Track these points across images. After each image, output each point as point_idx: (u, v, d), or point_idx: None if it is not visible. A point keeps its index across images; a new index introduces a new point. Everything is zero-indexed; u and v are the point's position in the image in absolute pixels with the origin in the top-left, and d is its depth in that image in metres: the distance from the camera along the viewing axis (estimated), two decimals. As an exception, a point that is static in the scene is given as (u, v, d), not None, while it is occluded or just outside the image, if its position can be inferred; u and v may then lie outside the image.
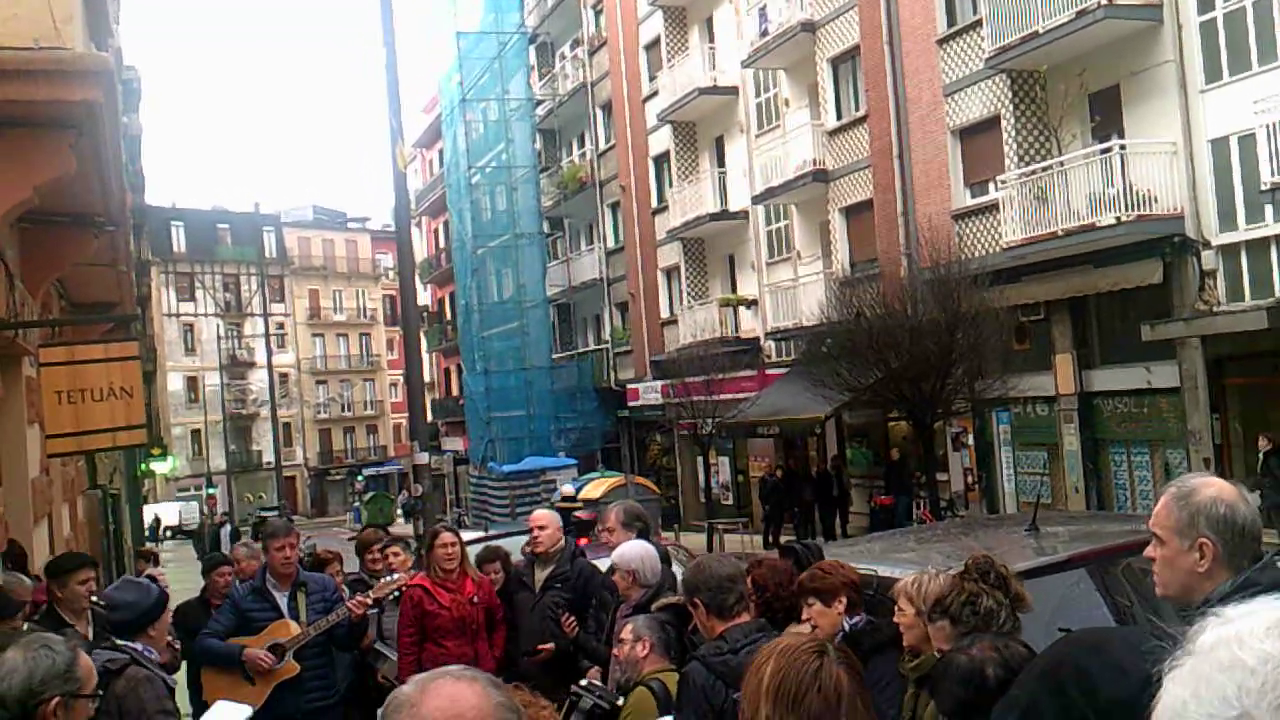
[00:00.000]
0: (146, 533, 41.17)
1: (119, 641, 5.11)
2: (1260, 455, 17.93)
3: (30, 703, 3.07)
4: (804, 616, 5.15)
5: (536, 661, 7.71)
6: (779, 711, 2.73)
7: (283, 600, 7.58)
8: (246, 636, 7.39)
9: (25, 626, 5.68)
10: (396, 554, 8.97)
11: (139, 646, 5.14)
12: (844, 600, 5.07)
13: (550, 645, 7.67)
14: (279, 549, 7.62)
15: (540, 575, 8.02)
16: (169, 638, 6.26)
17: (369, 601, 7.57)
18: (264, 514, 58.13)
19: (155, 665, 5.12)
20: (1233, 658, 1.18)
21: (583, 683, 5.80)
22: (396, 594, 8.10)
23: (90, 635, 5.69)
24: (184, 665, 8.47)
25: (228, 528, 29.94)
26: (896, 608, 4.63)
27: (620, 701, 5.24)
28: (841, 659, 2.86)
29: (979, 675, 3.43)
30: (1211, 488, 2.95)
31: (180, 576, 25.22)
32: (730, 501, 33.64)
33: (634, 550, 6.51)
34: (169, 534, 57.55)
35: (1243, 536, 2.88)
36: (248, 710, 5.76)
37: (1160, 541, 2.99)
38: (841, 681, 2.77)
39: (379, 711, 1.91)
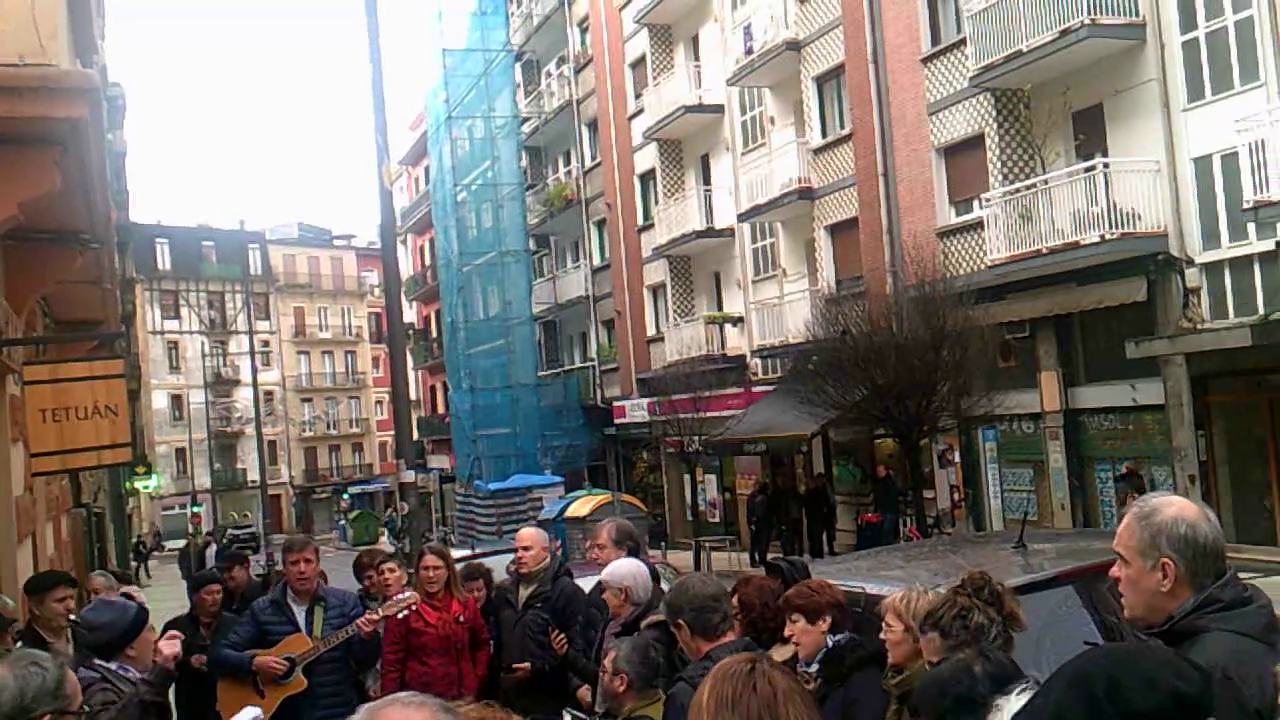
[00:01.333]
0: (131, 553, 40.89)
1: (96, 661, 5.10)
2: (1114, 480, 18.58)
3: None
4: (787, 632, 5.13)
5: (514, 679, 7.71)
6: (721, 715, 2.76)
7: (300, 614, 7.54)
8: (262, 650, 7.37)
9: (18, 645, 5.65)
10: (392, 569, 8.95)
11: (113, 666, 5.12)
12: (828, 620, 5.06)
13: (527, 665, 7.67)
14: (294, 563, 7.59)
15: (523, 594, 8.03)
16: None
17: (377, 619, 7.52)
18: (236, 533, 57.83)
19: (129, 684, 5.11)
20: None
21: (567, 716, 5.78)
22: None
23: (71, 653, 5.66)
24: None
25: (213, 547, 29.75)
26: (884, 624, 4.63)
27: None
28: (775, 665, 2.91)
29: (968, 671, 3.45)
30: (1173, 507, 2.95)
31: (161, 595, 25.12)
32: (717, 519, 33.61)
33: (625, 568, 6.50)
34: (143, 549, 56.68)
35: (1205, 555, 2.89)
36: (256, 712, 5.73)
37: (1124, 562, 3.00)
38: (776, 680, 2.81)
39: None
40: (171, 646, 5.42)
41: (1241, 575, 3.00)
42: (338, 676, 7.54)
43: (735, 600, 5.28)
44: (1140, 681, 2.01)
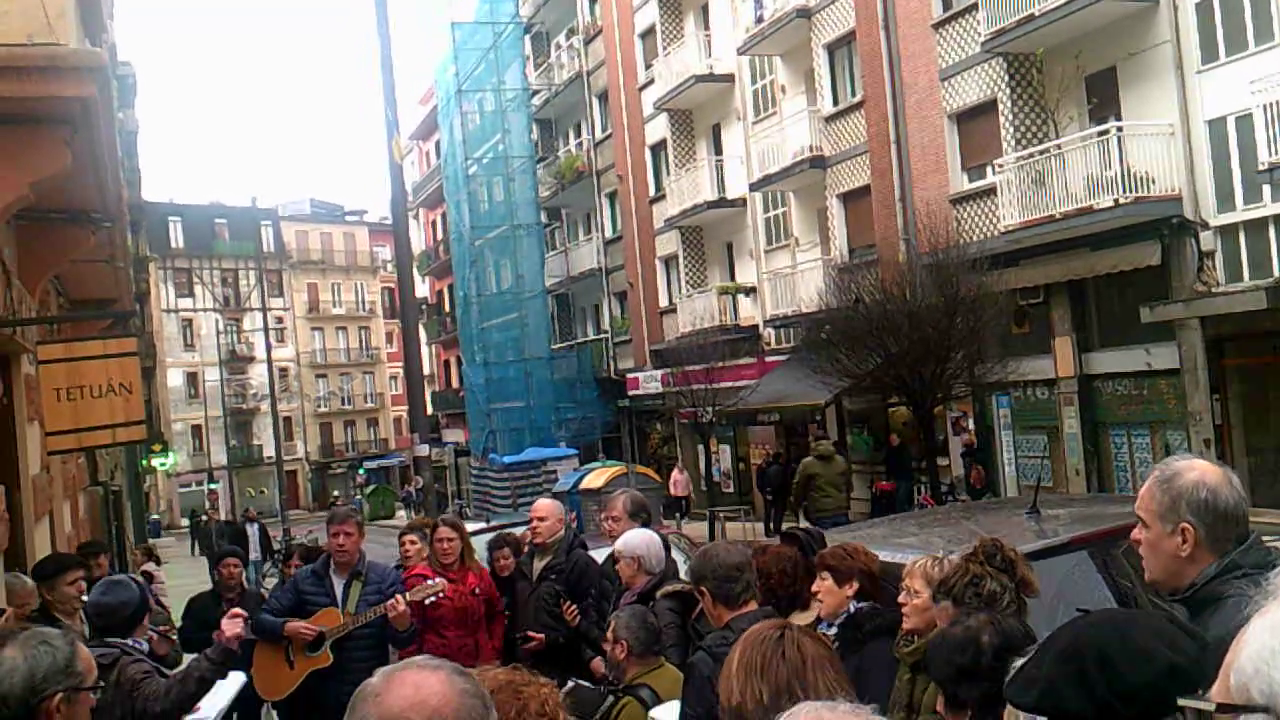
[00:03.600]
0: (148, 527, 41.11)
1: (107, 639, 5.14)
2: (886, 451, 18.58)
3: (33, 700, 3.07)
4: (814, 588, 5.15)
5: (528, 650, 7.74)
6: (750, 683, 2.78)
7: (339, 587, 7.55)
8: (298, 620, 7.39)
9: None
10: (413, 542, 9.01)
11: (128, 640, 5.17)
12: (855, 585, 5.08)
13: (541, 636, 7.69)
14: (334, 534, 7.61)
15: (538, 566, 8.05)
16: (164, 628, 6.31)
17: (405, 609, 7.49)
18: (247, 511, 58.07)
19: (143, 655, 5.19)
20: None
21: (570, 684, 5.81)
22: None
23: (86, 633, 5.70)
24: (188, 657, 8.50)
25: (254, 525, 29.26)
26: (907, 589, 4.62)
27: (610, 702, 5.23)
28: (805, 631, 2.91)
29: (974, 642, 3.45)
30: (1194, 471, 2.93)
31: (178, 572, 25.29)
32: (731, 489, 33.66)
33: (639, 538, 6.53)
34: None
35: (1225, 520, 2.87)
36: (239, 678, 5.83)
37: (1144, 525, 2.98)
38: (805, 646, 2.82)
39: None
40: (234, 626, 5.51)
41: (1264, 539, 2.99)
42: (368, 654, 7.41)
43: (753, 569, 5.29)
44: (1131, 654, 2.00)
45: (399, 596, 7.46)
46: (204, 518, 44.40)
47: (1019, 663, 2.60)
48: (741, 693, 2.80)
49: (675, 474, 32.32)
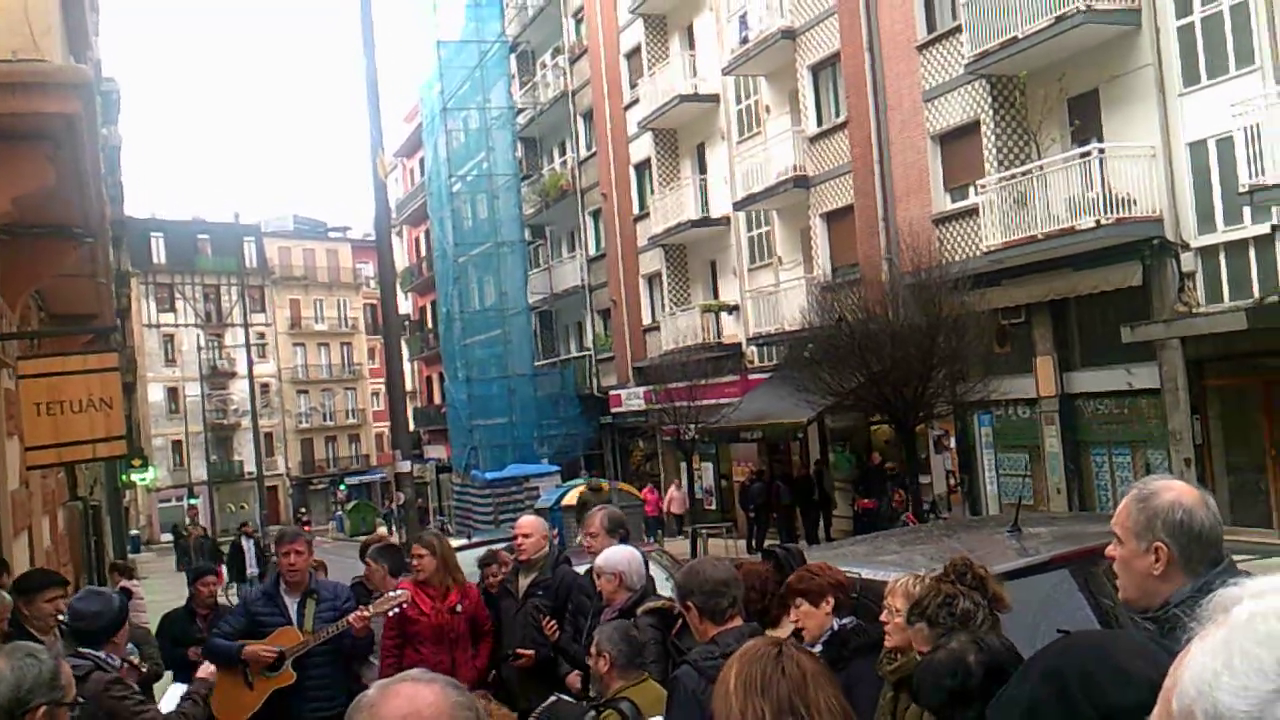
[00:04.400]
0: (127, 543, 40.86)
1: (81, 649, 5.15)
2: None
3: (18, 711, 3.09)
4: (791, 618, 5.15)
5: (516, 666, 7.71)
6: (750, 700, 2.77)
7: (292, 606, 7.50)
8: (253, 641, 7.32)
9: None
10: (369, 563, 8.98)
11: (101, 654, 5.17)
12: (831, 601, 5.09)
13: (530, 652, 7.66)
14: (285, 554, 7.56)
15: (523, 582, 8.01)
16: (133, 658, 6.30)
17: (368, 616, 7.49)
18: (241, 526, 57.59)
19: (115, 670, 5.20)
20: (1271, 631, 1.18)
21: (551, 699, 5.80)
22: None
23: (61, 647, 5.69)
24: (169, 675, 8.45)
25: (250, 541, 28.62)
26: (888, 607, 4.63)
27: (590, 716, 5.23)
28: (800, 648, 2.91)
29: (961, 664, 3.46)
30: (1171, 492, 2.95)
31: (157, 588, 25.12)
32: (714, 506, 33.66)
33: (619, 555, 6.53)
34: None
35: (1199, 542, 2.88)
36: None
37: (1119, 541, 3.01)
38: (804, 663, 2.81)
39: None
40: (205, 670, 5.64)
41: (1237, 557, 3.00)
42: (329, 670, 7.47)
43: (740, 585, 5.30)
44: (1114, 674, 2.00)
45: (361, 610, 7.46)
46: (185, 533, 43.98)
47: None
48: (741, 711, 2.79)
49: (672, 490, 32.06)
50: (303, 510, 64.17)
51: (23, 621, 6.30)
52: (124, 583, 15.75)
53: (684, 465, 32.47)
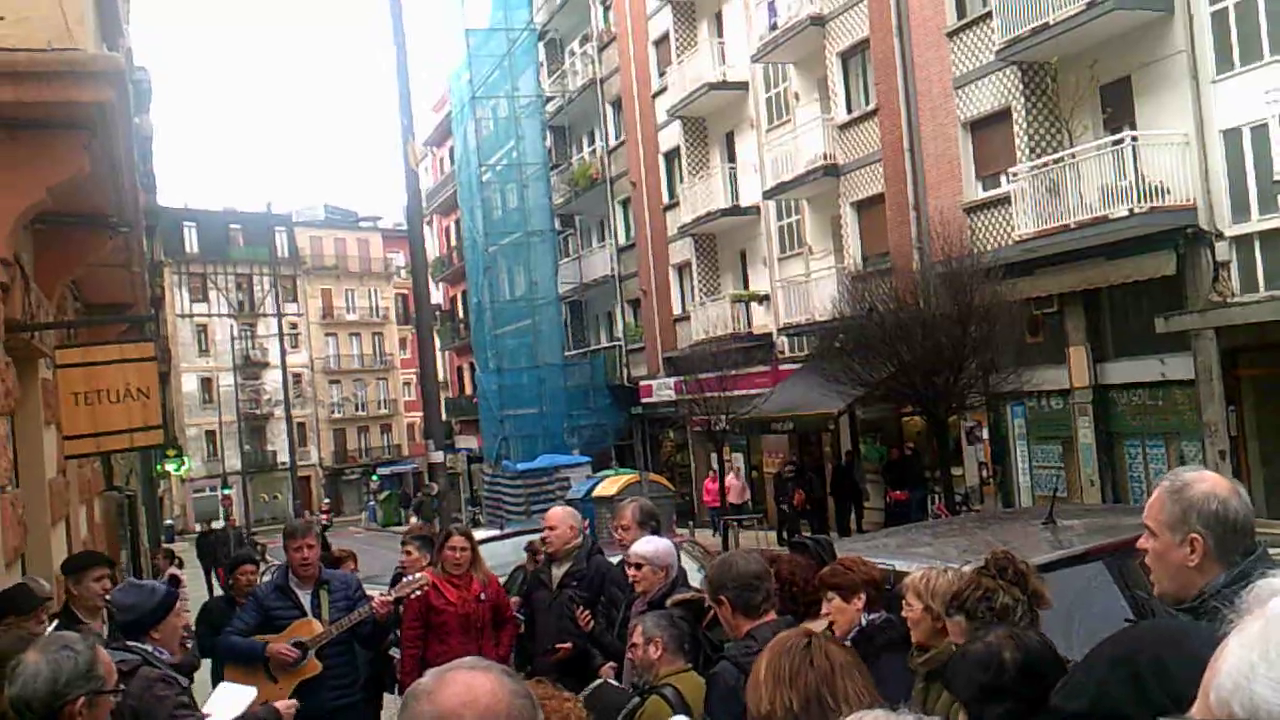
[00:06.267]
0: (163, 534, 41.19)
1: (130, 643, 5.13)
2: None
3: (56, 704, 3.10)
4: (824, 611, 5.14)
5: (554, 660, 7.69)
6: (780, 691, 2.78)
7: (305, 598, 7.55)
8: (270, 635, 7.38)
9: (52, 624, 5.71)
10: (409, 552, 9.00)
11: (150, 648, 5.15)
12: (863, 597, 5.07)
13: (568, 645, 7.65)
14: (296, 549, 7.60)
15: (557, 574, 8.00)
16: (184, 634, 6.28)
17: (390, 600, 7.55)
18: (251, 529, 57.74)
19: (167, 666, 5.14)
20: None
21: (597, 682, 5.80)
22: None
23: (106, 633, 5.72)
24: (208, 664, 8.50)
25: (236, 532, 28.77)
26: (904, 603, 4.63)
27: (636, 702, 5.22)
28: (831, 639, 2.91)
29: (996, 659, 3.44)
30: (1205, 483, 2.95)
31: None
32: (746, 498, 33.59)
33: (651, 545, 6.54)
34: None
35: (1235, 531, 2.89)
36: (252, 692, 5.81)
37: (1152, 534, 3.00)
38: (833, 653, 2.82)
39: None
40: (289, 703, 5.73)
41: (1272, 550, 2.98)
42: (344, 659, 7.57)
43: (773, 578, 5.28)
44: (1186, 662, 2.00)
45: (382, 595, 7.54)
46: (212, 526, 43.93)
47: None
48: (771, 701, 2.80)
49: (731, 479, 31.41)
50: (326, 501, 64.55)
51: (71, 603, 6.39)
52: (172, 570, 15.87)
53: (714, 456, 32.41)
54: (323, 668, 7.38)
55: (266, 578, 9.43)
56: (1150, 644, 2.07)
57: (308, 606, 7.53)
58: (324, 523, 51.01)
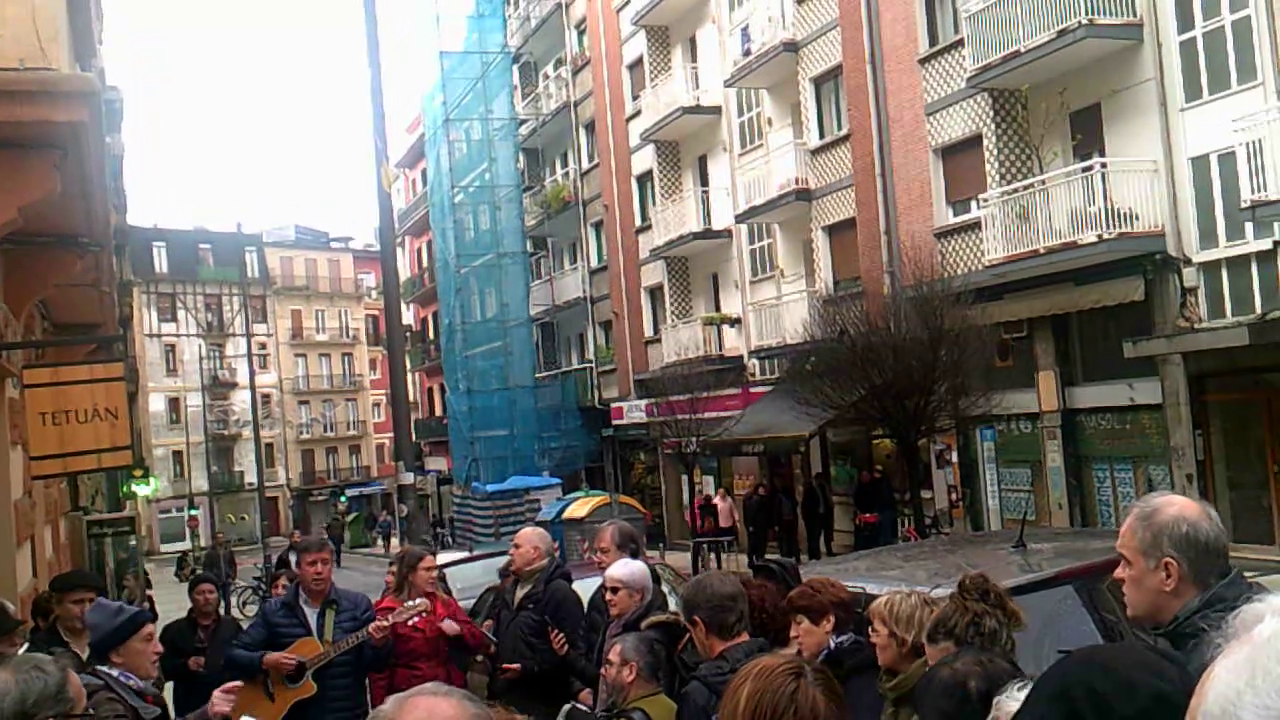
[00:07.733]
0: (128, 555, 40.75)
1: (100, 668, 5.05)
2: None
3: None
4: (792, 634, 5.14)
5: (503, 679, 7.71)
6: None
7: (312, 617, 7.50)
8: (273, 653, 7.32)
9: (24, 647, 5.66)
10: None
11: (115, 673, 5.04)
12: (832, 619, 5.06)
13: (516, 666, 7.65)
14: (310, 563, 7.57)
15: (519, 595, 8.01)
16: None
17: (387, 626, 7.47)
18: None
19: (131, 692, 5.02)
20: None
21: (567, 707, 5.78)
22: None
23: (84, 655, 5.67)
24: (170, 685, 8.43)
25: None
26: (870, 629, 4.63)
27: None
28: (819, 680, 2.89)
29: (961, 687, 3.44)
30: (1174, 507, 2.98)
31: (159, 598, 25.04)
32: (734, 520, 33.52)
33: (628, 568, 6.54)
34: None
35: (1207, 554, 2.91)
36: None
37: (1127, 562, 3.02)
38: (818, 703, 2.79)
39: None
40: (223, 704, 5.46)
41: (1246, 574, 3.01)
42: (348, 681, 7.48)
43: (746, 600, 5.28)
44: (1119, 687, 2.01)
45: (377, 622, 7.45)
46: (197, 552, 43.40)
47: (1000, 699, 2.59)
48: None
49: (718, 501, 30.63)
50: (296, 532, 64.13)
51: (57, 623, 6.36)
52: (150, 593, 15.71)
53: (685, 479, 32.37)
54: (325, 690, 7.28)
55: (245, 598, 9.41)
56: (1081, 676, 2.08)
57: (313, 625, 7.46)
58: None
